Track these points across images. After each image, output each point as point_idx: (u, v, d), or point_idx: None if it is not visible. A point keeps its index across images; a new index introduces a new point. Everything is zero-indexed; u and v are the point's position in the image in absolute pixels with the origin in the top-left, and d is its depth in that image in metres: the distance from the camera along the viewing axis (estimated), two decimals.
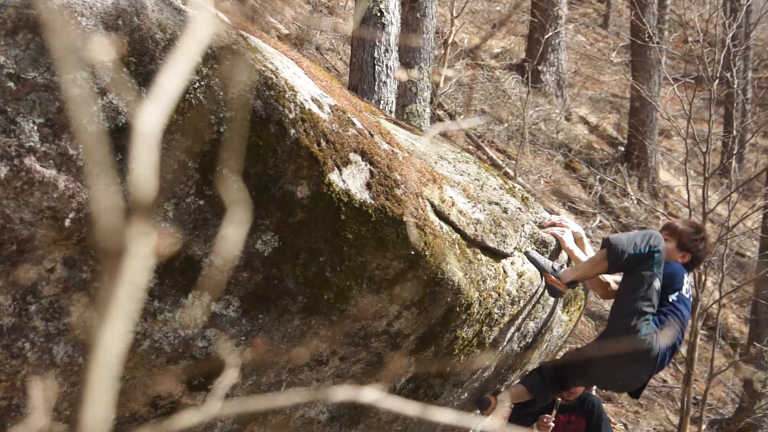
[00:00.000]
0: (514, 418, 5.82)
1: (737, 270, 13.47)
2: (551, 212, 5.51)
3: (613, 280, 5.27)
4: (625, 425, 9.72)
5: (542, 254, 5.03)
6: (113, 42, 3.35)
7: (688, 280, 5.20)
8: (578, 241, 5.22)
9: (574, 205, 13.21)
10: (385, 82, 7.31)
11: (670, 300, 4.96)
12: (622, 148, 15.26)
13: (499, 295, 4.69)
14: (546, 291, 5.06)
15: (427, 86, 8.23)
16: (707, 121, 8.18)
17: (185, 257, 3.61)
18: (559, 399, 5.63)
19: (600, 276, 5.14)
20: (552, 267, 4.98)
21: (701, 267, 7.65)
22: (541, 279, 5.04)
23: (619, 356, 4.87)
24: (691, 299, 5.24)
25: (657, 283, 4.86)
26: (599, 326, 11.37)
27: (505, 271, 4.72)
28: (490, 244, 4.63)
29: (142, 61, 3.46)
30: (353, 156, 3.98)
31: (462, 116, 12.96)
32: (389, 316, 4.20)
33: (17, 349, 3.44)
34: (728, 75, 8.29)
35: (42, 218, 3.32)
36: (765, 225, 10.54)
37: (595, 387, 5.64)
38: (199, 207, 3.58)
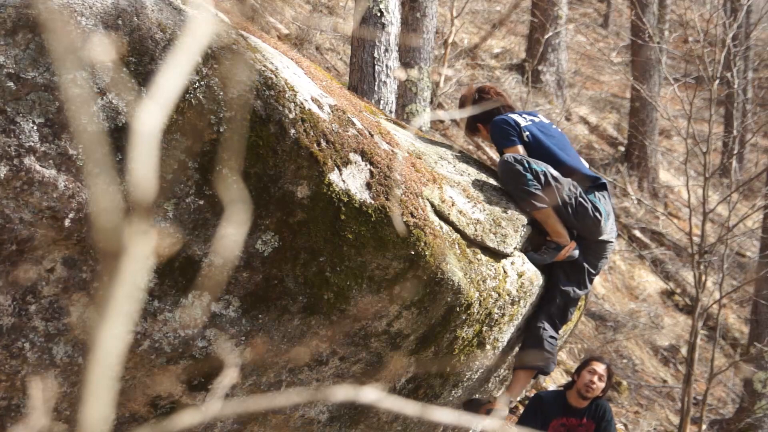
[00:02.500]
0: (524, 421, 5.84)
1: (737, 270, 13.47)
2: None
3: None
4: (625, 425, 9.73)
5: (542, 252, 5.05)
6: (113, 42, 3.35)
7: (519, 114, 5.35)
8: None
9: None
10: (385, 82, 7.31)
11: (526, 139, 5.16)
12: (622, 148, 15.27)
13: (499, 295, 4.69)
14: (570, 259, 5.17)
15: (427, 86, 8.23)
16: (707, 121, 8.18)
17: (185, 257, 3.61)
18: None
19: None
20: (553, 249, 5.03)
21: (701, 267, 7.65)
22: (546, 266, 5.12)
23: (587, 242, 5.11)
24: (538, 122, 5.35)
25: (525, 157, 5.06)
26: (599, 326, 11.38)
27: (505, 271, 4.72)
28: (490, 244, 4.63)
29: (142, 61, 3.46)
30: (353, 156, 3.98)
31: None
32: (389, 316, 4.20)
33: (17, 349, 3.44)
34: (728, 75, 8.29)
35: (42, 218, 3.32)
36: (765, 225, 10.54)
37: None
38: (199, 207, 3.58)
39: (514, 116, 5.27)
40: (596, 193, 5.11)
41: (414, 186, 4.27)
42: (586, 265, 5.18)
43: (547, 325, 5.17)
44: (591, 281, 5.35)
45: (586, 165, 5.38)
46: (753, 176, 11.37)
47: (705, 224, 7.69)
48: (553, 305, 5.18)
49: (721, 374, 9.82)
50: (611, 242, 5.24)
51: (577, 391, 5.88)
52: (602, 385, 5.88)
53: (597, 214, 5.04)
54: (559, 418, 5.93)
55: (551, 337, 5.18)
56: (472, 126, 5.50)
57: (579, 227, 5.08)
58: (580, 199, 5.01)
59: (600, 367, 5.87)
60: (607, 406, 6.01)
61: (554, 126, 5.45)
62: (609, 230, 5.18)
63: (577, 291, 5.23)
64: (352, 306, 4.04)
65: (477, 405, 5.27)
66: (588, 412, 5.92)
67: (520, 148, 5.11)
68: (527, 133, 5.18)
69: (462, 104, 5.47)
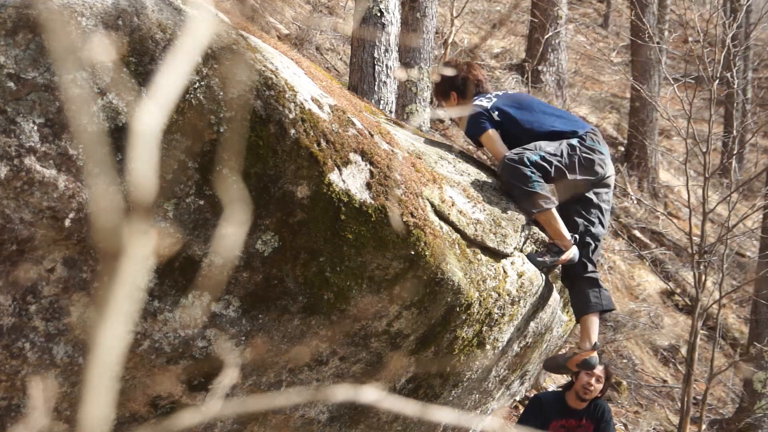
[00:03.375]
0: (524, 423, 5.84)
1: (737, 270, 13.46)
2: None
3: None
4: (625, 425, 9.72)
5: (542, 254, 5.05)
6: (113, 42, 3.35)
7: (483, 97, 5.36)
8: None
9: None
10: (385, 82, 7.31)
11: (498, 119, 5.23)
12: (622, 148, 15.26)
13: (499, 295, 4.69)
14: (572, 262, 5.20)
15: (427, 86, 8.23)
16: (707, 121, 8.17)
17: (185, 257, 3.61)
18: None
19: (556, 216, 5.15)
20: (555, 252, 5.05)
21: (701, 267, 7.64)
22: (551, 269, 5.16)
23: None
24: (504, 95, 5.44)
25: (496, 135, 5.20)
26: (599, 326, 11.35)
27: (505, 271, 4.72)
28: (490, 244, 4.63)
29: (142, 61, 3.46)
30: (353, 156, 3.98)
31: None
32: (389, 316, 4.20)
33: (17, 349, 3.44)
34: (728, 75, 8.28)
35: (42, 218, 3.32)
36: (765, 225, 10.54)
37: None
38: (199, 207, 3.58)
39: (479, 102, 5.32)
40: (591, 136, 5.22)
41: (414, 186, 4.27)
42: (602, 204, 5.30)
43: (592, 267, 5.26)
44: (608, 218, 5.46)
45: (566, 113, 5.49)
46: (753, 176, 11.37)
47: (705, 224, 7.69)
48: (588, 249, 5.26)
49: (720, 374, 9.82)
50: (613, 174, 5.41)
51: (575, 392, 5.88)
52: (600, 386, 5.88)
53: (601, 158, 5.18)
54: (559, 420, 5.94)
55: (600, 277, 5.29)
56: (445, 91, 5.51)
57: (592, 179, 5.20)
58: (584, 154, 5.13)
59: (598, 369, 5.87)
60: (606, 406, 6.02)
61: (518, 91, 5.58)
62: (611, 165, 5.33)
63: (602, 229, 5.36)
64: (352, 306, 4.04)
65: (563, 361, 5.23)
66: (587, 413, 5.93)
67: (492, 132, 5.17)
68: (496, 112, 5.23)
69: (454, 89, 5.48)
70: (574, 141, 5.15)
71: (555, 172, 5.04)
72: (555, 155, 5.06)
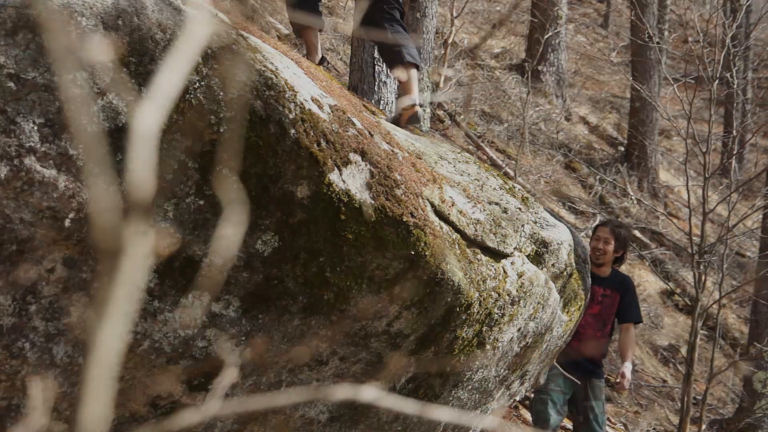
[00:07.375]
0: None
1: (737, 270, 13.47)
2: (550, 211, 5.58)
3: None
4: (625, 425, 9.72)
5: (542, 258, 5.05)
6: (113, 42, 3.35)
7: None
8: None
9: (574, 205, 13.22)
10: (385, 82, 7.30)
11: None
12: (622, 148, 15.27)
13: (499, 295, 4.69)
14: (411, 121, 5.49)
15: (427, 86, 8.23)
16: (707, 121, 8.17)
17: (185, 257, 3.61)
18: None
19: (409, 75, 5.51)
20: (400, 109, 5.40)
21: (701, 267, 7.64)
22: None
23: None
24: None
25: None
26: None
27: (505, 271, 4.72)
28: (490, 244, 4.63)
29: (142, 61, 3.46)
30: (353, 156, 3.98)
31: (461, 116, 12.97)
32: (389, 316, 4.20)
33: (17, 349, 3.44)
34: (728, 75, 8.28)
35: (42, 218, 3.32)
36: (765, 225, 10.54)
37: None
38: (199, 207, 3.58)
39: None
40: None
41: (414, 186, 4.27)
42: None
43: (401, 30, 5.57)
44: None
45: None
46: (753, 176, 11.37)
47: (705, 224, 7.69)
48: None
49: (720, 374, 9.82)
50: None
51: (591, 261, 5.87)
52: (610, 247, 5.85)
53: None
54: None
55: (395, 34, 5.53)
56: None
57: None
58: None
59: (603, 231, 5.85)
60: (627, 278, 6.01)
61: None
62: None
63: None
64: (352, 306, 4.04)
65: (395, 122, 5.45)
66: (610, 283, 5.90)
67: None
68: None
69: None
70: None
71: None
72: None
